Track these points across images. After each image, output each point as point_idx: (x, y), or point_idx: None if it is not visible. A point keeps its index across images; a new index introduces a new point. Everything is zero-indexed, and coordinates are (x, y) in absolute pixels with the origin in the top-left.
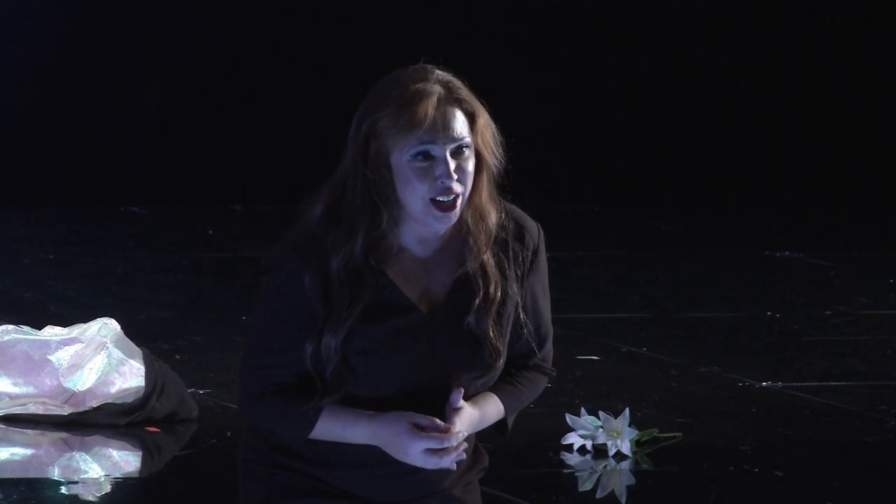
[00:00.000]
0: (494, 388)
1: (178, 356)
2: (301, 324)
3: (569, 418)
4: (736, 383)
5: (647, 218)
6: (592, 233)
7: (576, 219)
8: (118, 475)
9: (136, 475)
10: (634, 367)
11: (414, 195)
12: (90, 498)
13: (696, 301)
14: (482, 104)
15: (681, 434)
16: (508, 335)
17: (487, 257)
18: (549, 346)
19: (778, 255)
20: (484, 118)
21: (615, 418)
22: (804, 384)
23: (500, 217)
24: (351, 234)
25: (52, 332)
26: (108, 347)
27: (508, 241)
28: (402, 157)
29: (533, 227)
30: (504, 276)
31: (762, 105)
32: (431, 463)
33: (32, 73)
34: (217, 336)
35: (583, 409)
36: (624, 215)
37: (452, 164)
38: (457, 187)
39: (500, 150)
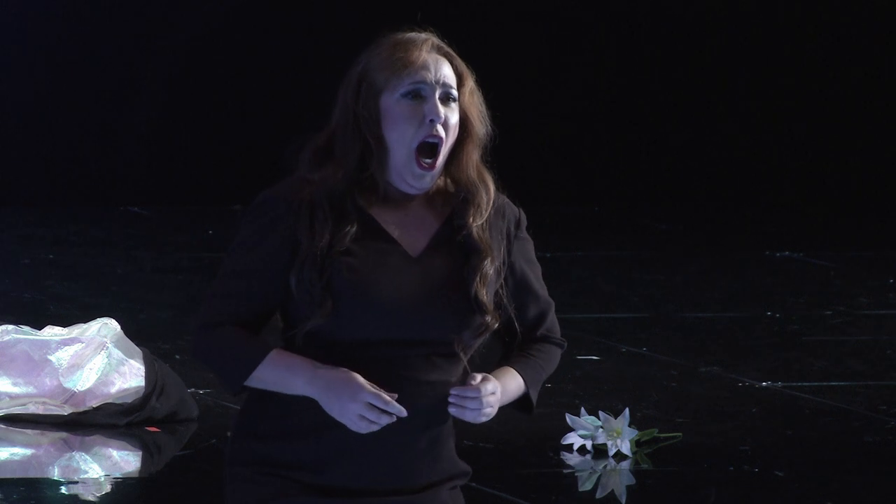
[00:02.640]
0: (509, 362)
1: (177, 356)
2: (272, 253)
3: (569, 418)
4: (736, 383)
5: (647, 218)
6: (592, 233)
7: (576, 219)
8: (118, 475)
9: (136, 475)
10: (634, 367)
11: (400, 138)
12: (90, 498)
13: (696, 301)
14: (472, 72)
15: (681, 434)
16: (493, 296)
17: (487, 223)
18: (552, 317)
19: (778, 255)
20: (471, 83)
21: (615, 418)
22: (804, 384)
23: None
24: (338, 169)
25: (52, 332)
26: (108, 347)
27: (495, 216)
28: (392, 97)
29: (512, 205)
30: (493, 243)
31: (762, 105)
32: (364, 423)
33: (33, 74)
34: None
35: (583, 409)
36: (624, 215)
37: (441, 109)
38: (441, 131)
39: (488, 121)
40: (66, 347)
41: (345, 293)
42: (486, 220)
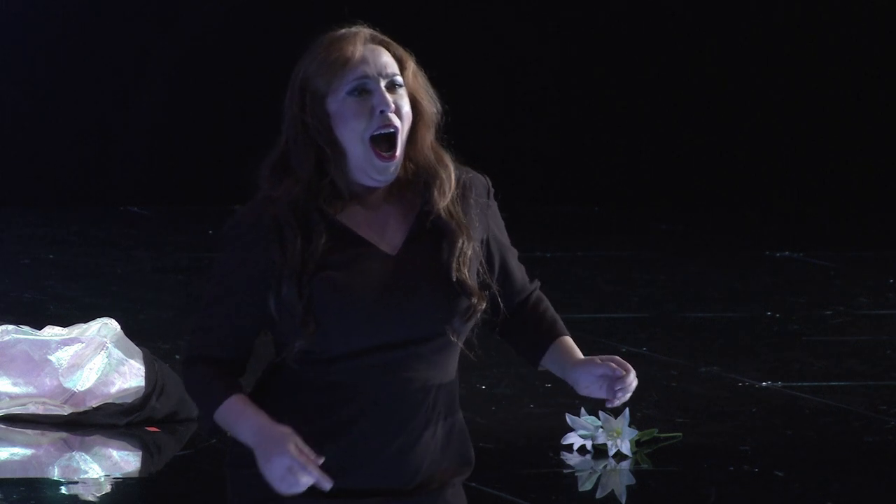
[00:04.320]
0: (557, 331)
1: (177, 356)
2: (247, 281)
3: (569, 418)
4: (736, 383)
5: (647, 218)
6: (592, 233)
7: (576, 219)
8: (118, 475)
9: (136, 475)
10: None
11: (353, 135)
12: (90, 498)
13: (696, 301)
14: (410, 54)
15: (681, 434)
16: (478, 274)
17: (454, 202)
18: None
19: (778, 255)
20: (413, 65)
21: (615, 418)
22: (804, 384)
23: (457, 167)
24: (296, 181)
25: (52, 332)
26: (108, 347)
27: (465, 193)
28: (337, 98)
29: (479, 175)
30: (466, 219)
31: (762, 106)
32: (284, 484)
33: (33, 74)
34: None
35: (583, 409)
36: (624, 215)
37: (389, 98)
38: (395, 120)
39: (438, 100)
40: (66, 347)
41: (329, 308)
42: (456, 199)
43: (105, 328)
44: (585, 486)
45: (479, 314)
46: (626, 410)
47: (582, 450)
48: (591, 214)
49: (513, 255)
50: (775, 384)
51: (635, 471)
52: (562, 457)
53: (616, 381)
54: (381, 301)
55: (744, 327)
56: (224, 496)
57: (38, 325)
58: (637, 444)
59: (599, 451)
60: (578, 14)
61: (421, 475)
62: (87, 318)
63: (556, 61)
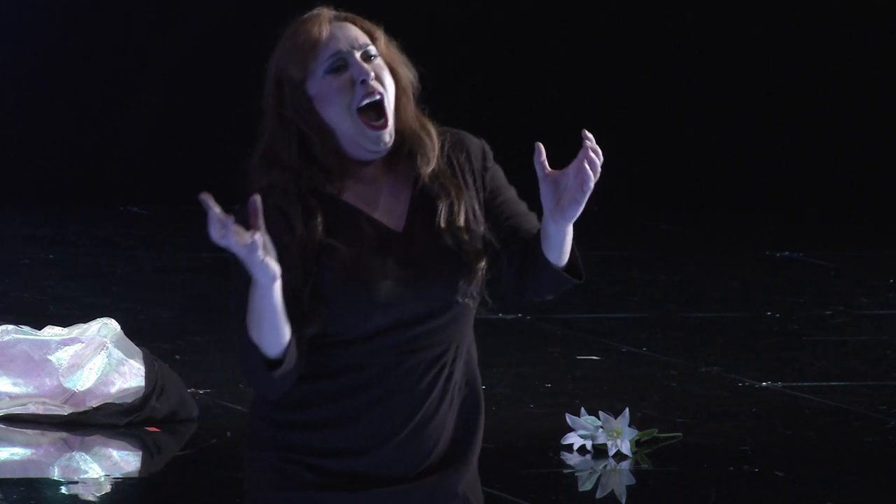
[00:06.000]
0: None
1: (177, 356)
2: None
3: (569, 418)
4: (736, 383)
5: (647, 218)
6: (592, 233)
7: (576, 219)
8: (118, 475)
9: (136, 475)
10: (634, 367)
11: (339, 111)
12: (90, 498)
13: (696, 301)
14: (378, 25)
15: (681, 434)
16: (476, 234)
17: (440, 166)
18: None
19: (778, 255)
20: (383, 36)
21: (615, 418)
22: (804, 384)
23: (441, 132)
24: (283, 169)
25: (52, 332)
26: (108, 347)
27: (452, 155)
28: (316, 79)
29: (474, 138)
30: (462, 181)
31: (762, 106)
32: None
33: (33, 73)
34: (217, 336)
35: (583, 409)
36: (624, 215)
37: (367, 66)
38: (378, 87)
39: (412, 67)
40: (66, 347)
41: (342, 288)
42: (444, 162)
43: (105, 328)
44: (585, 486)
45: (481, 273)
46: (626, 410)
47: (582, 450)
48: (591, 214)
49: (521, 209)
50: (775, 384)
51: (635, 471)
52: (562, 457)
53: (584, 161)
54: (394, 279)
55: (744, 327)
56: (224, 496)
57: (38, 325)
58: (637, 444)
59: (599, 451)
60: (578, 14)
61: (437, 452)
62: (87, 318)
63: (556, 61)
